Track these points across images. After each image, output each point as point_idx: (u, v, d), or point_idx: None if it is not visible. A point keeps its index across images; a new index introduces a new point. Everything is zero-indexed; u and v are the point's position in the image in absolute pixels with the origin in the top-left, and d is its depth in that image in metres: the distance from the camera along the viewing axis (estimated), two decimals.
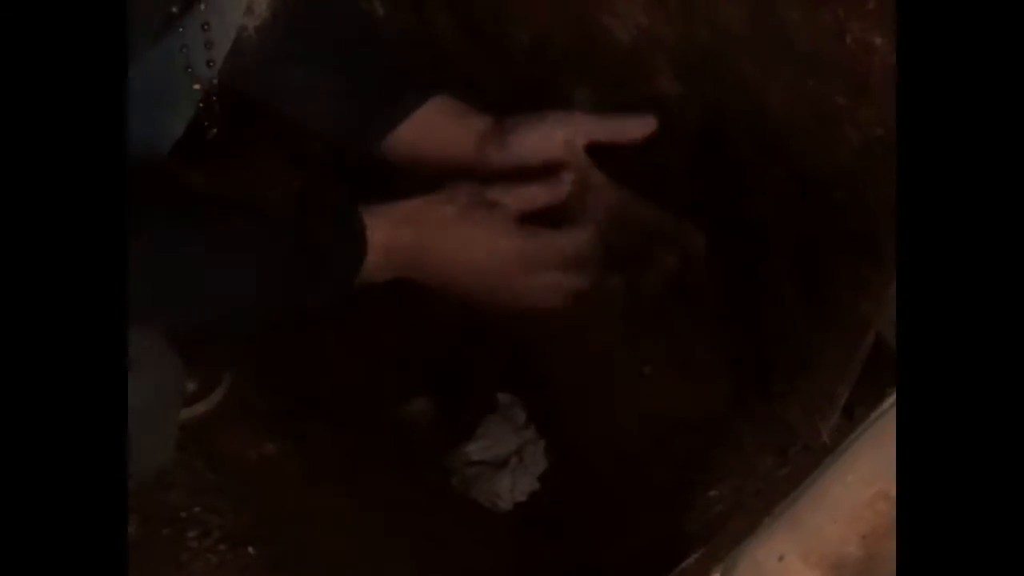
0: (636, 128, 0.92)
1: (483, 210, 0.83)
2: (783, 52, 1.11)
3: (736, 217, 1.24)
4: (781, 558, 0.74)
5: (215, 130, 0.90)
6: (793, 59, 1.11)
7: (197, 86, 0.87)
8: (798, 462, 1.26)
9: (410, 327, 1.26)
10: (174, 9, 0.83)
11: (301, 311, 0.89)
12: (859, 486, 0.76)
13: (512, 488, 1.17)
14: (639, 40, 1.21)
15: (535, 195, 0.86)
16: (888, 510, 0.72)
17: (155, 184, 0.76)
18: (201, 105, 0.89)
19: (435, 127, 0.91)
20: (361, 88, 0.93)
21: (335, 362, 1.24)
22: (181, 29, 0.84)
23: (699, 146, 1.23)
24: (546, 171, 0.89)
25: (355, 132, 0.94)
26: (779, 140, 1.17)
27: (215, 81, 0.89)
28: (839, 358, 1.18)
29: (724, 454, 1.25)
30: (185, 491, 1.14)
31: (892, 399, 0.74)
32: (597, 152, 1.01)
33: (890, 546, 0.61)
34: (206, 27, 0.84)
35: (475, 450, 1.19)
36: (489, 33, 1.34)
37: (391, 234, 0.82)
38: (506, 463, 1.19)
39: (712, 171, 1.25)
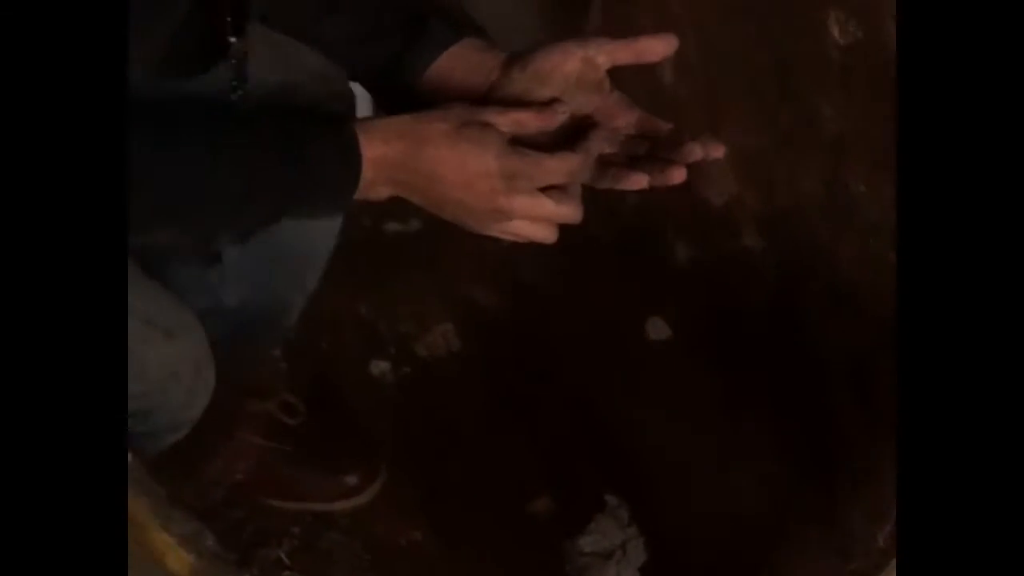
0: (658, 47, 0.86)
1: (475, 128, 0.81)
2: (850, 217, 1.31)
3: (806, 349, 1.44)
4: None
5: (241, 92, 0.91)
6: (858, 223, 1.30)
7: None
8: (858, 564, 1.42)
9: (535, 437, 1.43)
10: None
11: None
12: None
13: None
14: (729, 204, 1.43)
15: (526, 119, 0.84)
16: None
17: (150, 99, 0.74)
18: (233, 62, 0.89)
19: (466, 58, 0.91)
20: (397, 28, 0.92)
21: (474, 465, 1.40)
22: None
23: (776, 291, 1.43)
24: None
25: (393, 69, 0.92)
26: (844, 288, 1.36)
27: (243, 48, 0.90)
28: (895, 470, 1.35)
29: (792, 553, 1.40)
30: (347, 568, 1.31)
31: None
32: None
33: None
34: None
35: (587, 543, 1.35)
36: (606, 189, 1.56)
37: (382, 148, 0.80)
38: (612, 555, 1.34)
39: (786, 312, 1.45)
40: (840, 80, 1.24)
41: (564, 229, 1.38)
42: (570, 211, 0.86)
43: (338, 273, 1.30)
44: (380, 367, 1.51)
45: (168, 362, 1.05)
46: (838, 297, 1.36)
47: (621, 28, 1.44)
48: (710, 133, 0.88)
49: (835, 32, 1.22)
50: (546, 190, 0.84)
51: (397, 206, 1.37)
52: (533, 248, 1.53)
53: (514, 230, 0.86)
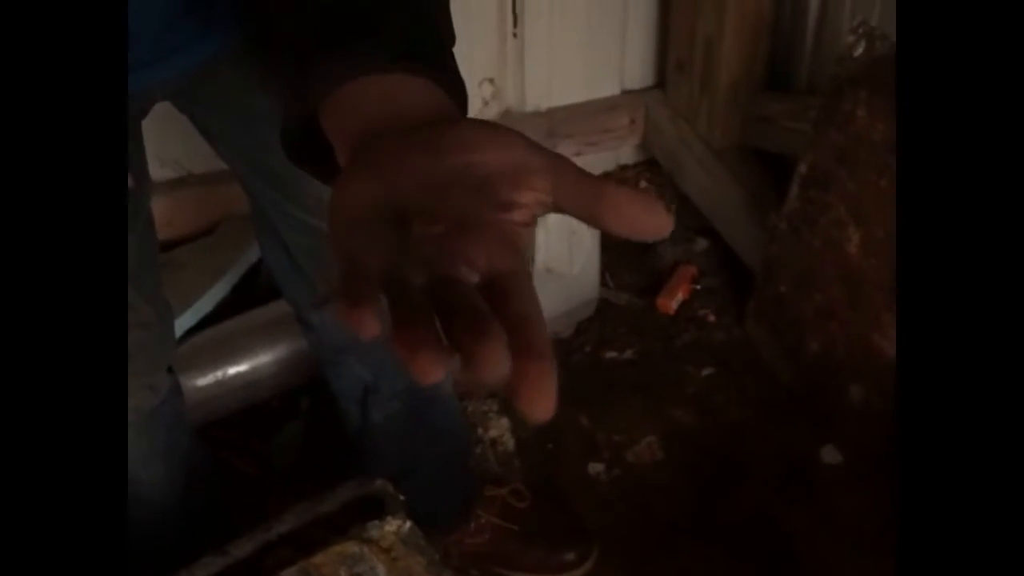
0: (648, 225, 0.53)
1: None
2: None
3: None
4: None
5: None
6: None
7: None
8: None
9: (721, 536, 1.65)
10: None
11: None
12: None
13: None
14: None
15: None
16: None
17: None
18: None
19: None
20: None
21: (670, 558, 1.62)
22: None
23: None
24: None
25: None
26: None
27: None
28: None
29: None
30: None
31: None
32: None
33: None
34: None
35: None
36: (790, 338, 1.81)
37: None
38: None
39: None
40: None
41: (750, 369, 1.63)
42: None
43: (565, 390, 1.55)
44: (595, 468, 1.75)
45: None
46: None
47: (813, 211, 1.68)
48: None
49: None
50: None
51: (616, 337, 1.63)
52: (727, 379, 1.78)
53: None
